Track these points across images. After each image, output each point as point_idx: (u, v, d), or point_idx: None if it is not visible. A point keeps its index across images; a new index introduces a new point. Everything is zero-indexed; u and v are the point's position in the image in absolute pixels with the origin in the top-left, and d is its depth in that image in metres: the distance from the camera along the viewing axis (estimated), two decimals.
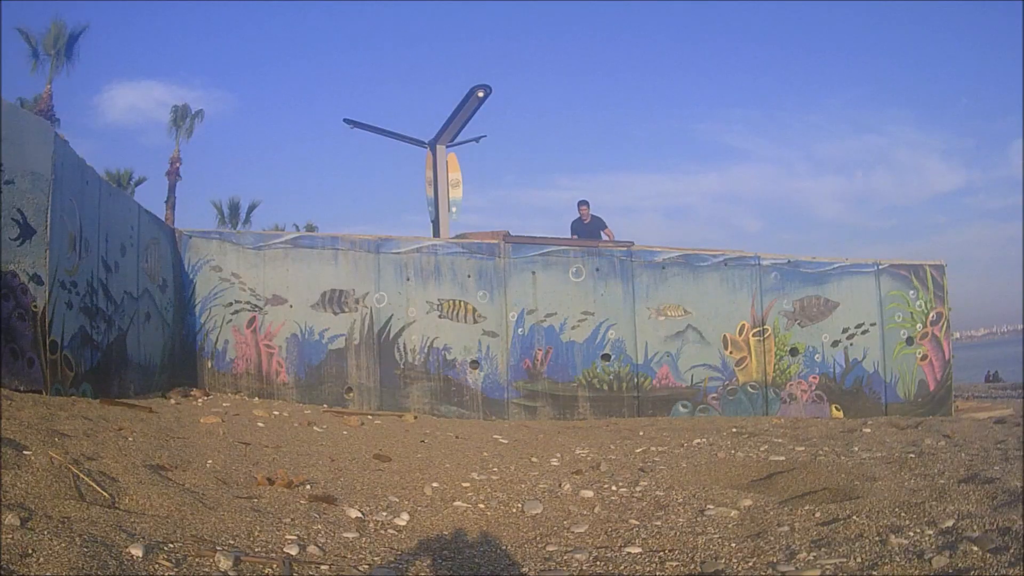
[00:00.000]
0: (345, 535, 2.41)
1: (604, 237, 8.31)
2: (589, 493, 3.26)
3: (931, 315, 7.38)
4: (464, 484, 3.42)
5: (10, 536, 1.81)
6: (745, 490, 3.20)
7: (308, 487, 3.01)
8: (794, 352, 7.21)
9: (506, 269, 6.91)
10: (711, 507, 2.82)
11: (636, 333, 6.97)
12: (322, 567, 2.07)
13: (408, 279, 6.74)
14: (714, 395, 7.03)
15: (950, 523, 2.20)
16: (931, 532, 2.14)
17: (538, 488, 3.38)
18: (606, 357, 6.95)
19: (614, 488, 3.34)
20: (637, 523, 2.70)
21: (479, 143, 11.61)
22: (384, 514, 2.76)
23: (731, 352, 7.11)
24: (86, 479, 2.40)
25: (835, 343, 7.26)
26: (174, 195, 32.37)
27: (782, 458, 3.93)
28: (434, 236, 10.09)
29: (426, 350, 6.69)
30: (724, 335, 7.11)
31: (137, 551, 1.88)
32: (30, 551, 1.76)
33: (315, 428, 4.59)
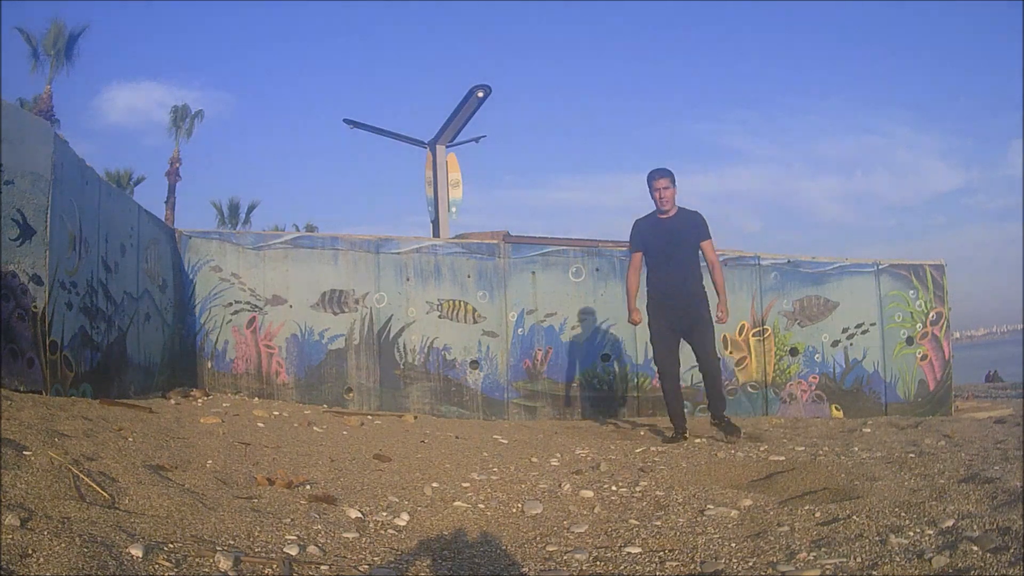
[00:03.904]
0: (345, 535, 2.41)
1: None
2: (589, 493, 3.26)
3: (931, 315, 7.38)
4: (464, 484, 3.42)
5: (10, 536, 1.81)
6: (745, 490, 3.20)
7: (308, 487, 3.02)
8: (794, 352, 7.21)
9: (506, 269, 6.91)
10: (711, 507, 2.82)
11: (636, 333, 6.96)
12: (322, 567, 2.07)
13: (408, 279, 6.74)
14: None
15: (950, 523, 2.20)
16: (931, 532, 2.14)
17: (538, 488, 3.38)
18: (606, 357, 6.96)
19: (614, 488, 3.34)
20: (637, 523, 2.70)
21: (479, 143, 11.65)
22: (384, 514, 2.76)
23: (731, 352, 7.12)
24: (86, 479, 2.40)
25: (835, 343, 7.26)
26: (174, 195, 32.47)
27: (782, 458, 3.93)
28: (434, 236, 10.11)
29: (426, 350, 6.69)
30: (724, 335, 7.11)
31: (137, 551, 1.88)
32: (30, 551, 1.76)
33: (315, 428, 4.59)
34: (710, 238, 5.19)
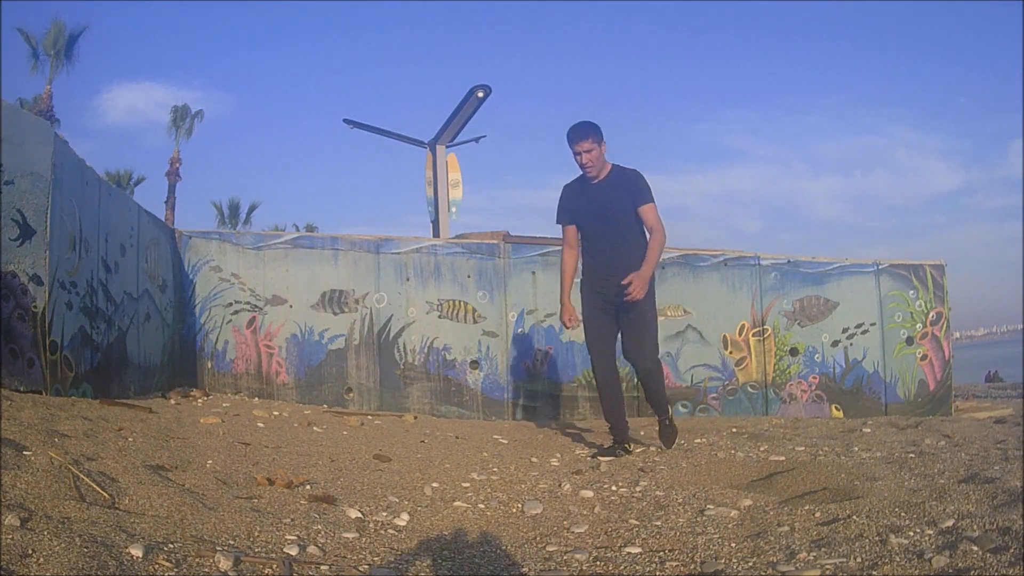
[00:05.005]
0: (345, 535, 2.41)
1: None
2: (589, 493, 3.26)
3: (931, 315, 7.38)
4: (464, 484, 3.42)
5: (10, 536, 1.81)
6: (745, 490, 3.20)
7: (308, 487, 3.01)
8: (794, 352, 7.21)
9: (506, 269, 6.91)
10: (711, 507, 2.82)
11: None
12: (322, 567, 2.07)
13: (408, 279, 6.75)
14: (714, 395, 7.03)
15: (950, 523, 2.20)
16: (931, 532, 2.14)
17: (538, 488, 3.38)
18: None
19: (614, 488, 3.34)
20: (637, 523, 2.70)
21: (479, 143, 11.67)
22: (384, 514, 2.77)
23: (731, 352, 7.12)
24: (86, 479, 2.40)
25: (835, 343, 7.26)
26: (174, 195, 32.51)
27: (782, 458, 3.93)
28: (434, 236, 10.12)
29: (426, 350, 6.69)
30: (724, 335, 7.11)
31: (137, 551, 1.88)
32: (30, 551, 1.75)
33: (315, 428, 4.59)
34: (651, 201, 4.25)
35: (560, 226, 4.52)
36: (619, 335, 4.44)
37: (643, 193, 4.26)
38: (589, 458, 4.27)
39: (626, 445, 4.35)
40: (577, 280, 4.63)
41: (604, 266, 4.32)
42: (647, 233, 4.30)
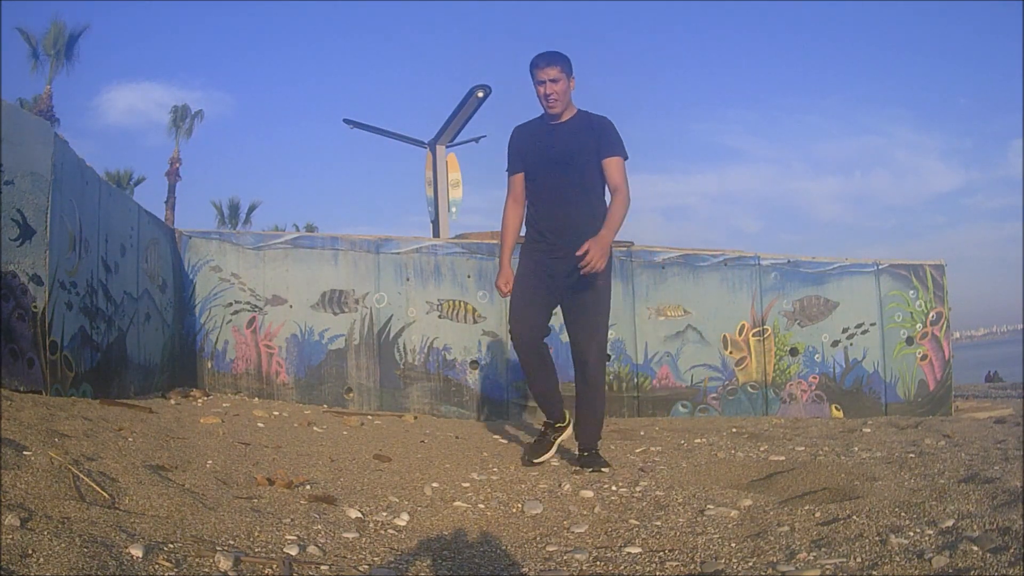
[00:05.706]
0: (345, 535, 2.42)
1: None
2: (589, 493, 3.26)
3: (931, 315, 7.38)
4: (464, 484, 3.42)
5: (10, 536, 1.81)
6: (745, 490, 3.21)
7: (308, 487, 3.02)
8: (794, 352, 7.21)
9: None
10: (711, 507, 2.82)
11: (636, 333, 6.97)
12: (322, 567, 2.07)
13: (408, 279, 6.74)
14: (714, 395, 7.03)
15: (950, 523, 2.21)
16: (931, 532, 2.14)
17: (538, 488, 3.39)
18: (606, 357, 6.95)
19: (614, 488, 3.34)
20: (637, 523, 2.70)
21: (479, 143, 11.68)
22: (384, 514, 2.77)
23: (731, 352, 7.12)
24: (86, 479, 2.40)
25: (835, 343, 7.26)
26: (174, 195, 32.56)
27: (782, 458, 3.93)
28: (434, 236, 10.12)
29: (426, 350, 6.69)
30: (724, 335, 7.11)
31: (137, 551, 1.88)
32: (30, 551, 1.76)
33: (315, 428, 4.59)
34: (619, 155, 3.65)
35: (507, 175, 3.86)
36: (557, 314, 3.84)
37: (613, 143, 3.66)
38: (523, 465, 3.89)
39: (563, 420, 3.88)
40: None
41: (554, 228, 3.68)
42: (611, 190, 3.67)
